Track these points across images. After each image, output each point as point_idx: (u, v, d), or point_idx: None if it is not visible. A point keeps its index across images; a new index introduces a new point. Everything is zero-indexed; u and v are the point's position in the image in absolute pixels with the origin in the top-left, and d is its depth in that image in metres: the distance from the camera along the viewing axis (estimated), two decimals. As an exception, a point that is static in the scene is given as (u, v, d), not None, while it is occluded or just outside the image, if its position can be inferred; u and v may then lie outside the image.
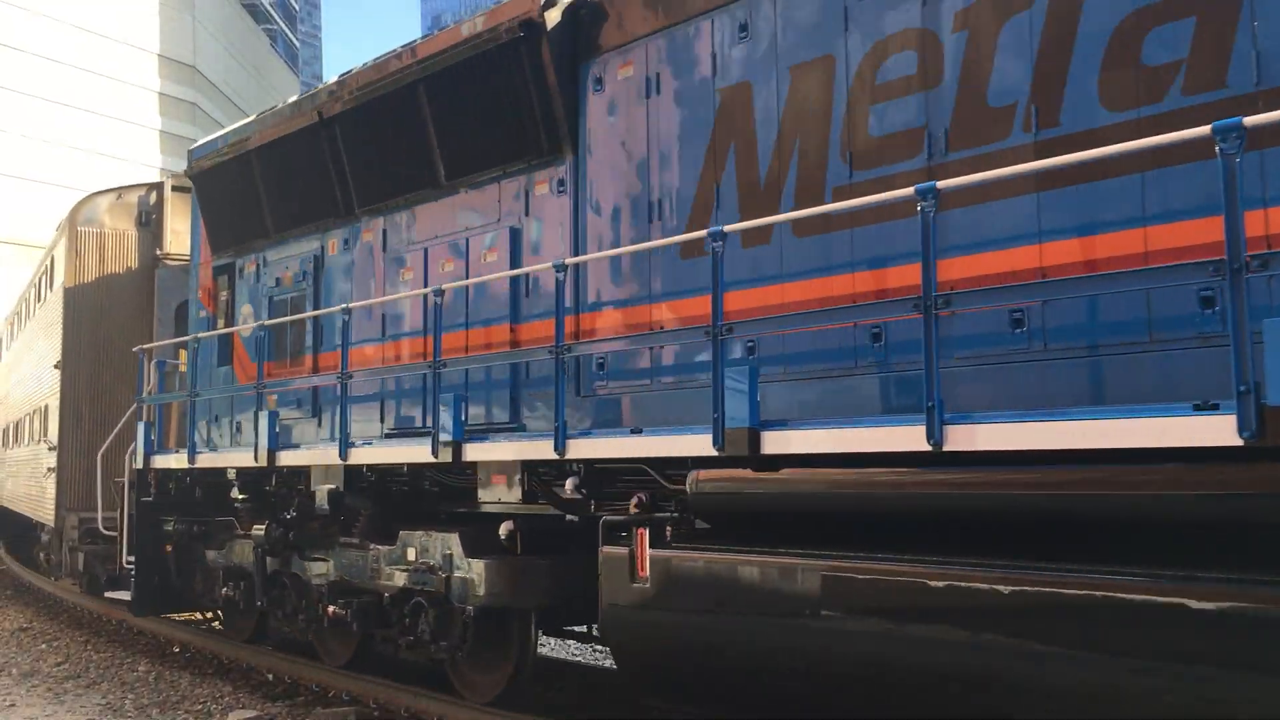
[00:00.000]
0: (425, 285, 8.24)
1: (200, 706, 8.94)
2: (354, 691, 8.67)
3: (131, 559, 11.19)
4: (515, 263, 7.73)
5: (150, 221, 14.28)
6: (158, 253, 14.21)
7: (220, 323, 11.28)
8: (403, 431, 8.49)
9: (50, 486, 14.44)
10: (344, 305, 8.40)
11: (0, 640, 12.84)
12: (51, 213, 40.99)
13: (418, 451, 7.51)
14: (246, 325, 10.57)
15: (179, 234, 13.83)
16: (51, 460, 14.45)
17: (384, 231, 9.11)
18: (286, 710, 8.58)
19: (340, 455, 8.20)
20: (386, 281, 8.99)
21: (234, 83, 53.03)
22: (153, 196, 14.44)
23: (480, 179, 8.15)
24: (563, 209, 7.53)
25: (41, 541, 16.69)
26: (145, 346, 11.43)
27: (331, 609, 8.61)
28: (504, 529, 7.30)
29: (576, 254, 7.31)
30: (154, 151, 47.12)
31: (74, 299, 14.21)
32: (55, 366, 14.26)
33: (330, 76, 10.05)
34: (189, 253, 12.71)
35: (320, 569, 8.93)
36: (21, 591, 17.84)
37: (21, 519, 18.91)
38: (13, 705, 9.23)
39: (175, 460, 10.77)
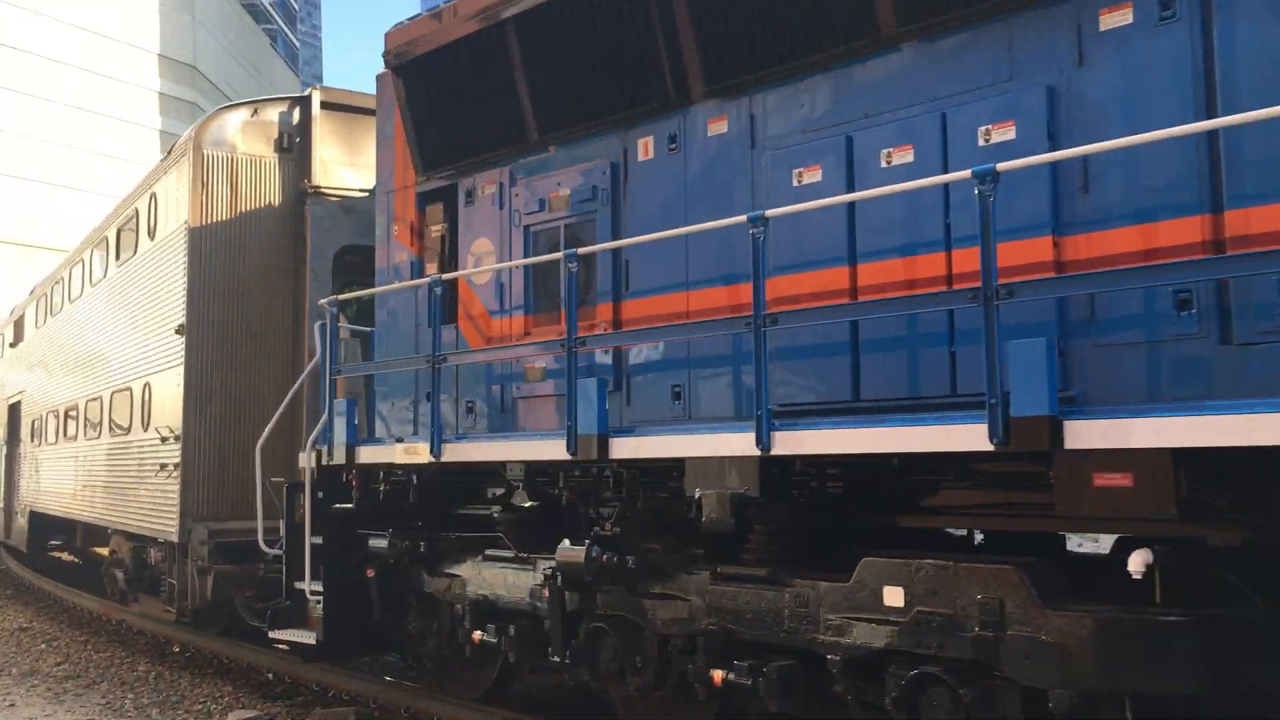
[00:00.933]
0: (851, 186, 5.67)
1: (200, 706, 8.94)
2: (354, 691, 8.67)
3: (313, 587, 8.19)
4: (1054, 141, 4.99)
5: (292, 146, 11.25)
6: (305, 185, 11.12)
7: (430, 268, 8.45)
8: (877, 407, 5.45)
9: (171, 488, 10.83)
10: (753, 214, 5.44)
11: (0, 640, 12.84)
12: (51, 213, 41.04)
13: (968, 436, 4.54)
14: (491, 266, 7.70)
15: (329, 165, 11.21)
16: (168, 454, 10.98)
17: (751, 119, 6.36)
18: (286, 710, 8.58)
19: (760, 442, 5.26)
20: (766, 189, 6.18)
21: (234, 83, 53.04)
22: (295, 114, 11.33)
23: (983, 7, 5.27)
24: (1171, 47, 4.71)
25: (118, 561, 13.41)
26: (339, 298, 8.69)
27: (721, 674, 5.64)
28: (1138, 561, 4.34)
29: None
30: (154, 151, 47.10)
31: (201, 243, 10.81)
32: (177, 331, 10.82)
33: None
34: (342, 186, 10.90)
35: (673, 611, 6.03)
36: (21, 591, 17.83)
37: (48, 529, 17.49)
38: (13, 705, 9.23)
39: (401, 453, 7.58)
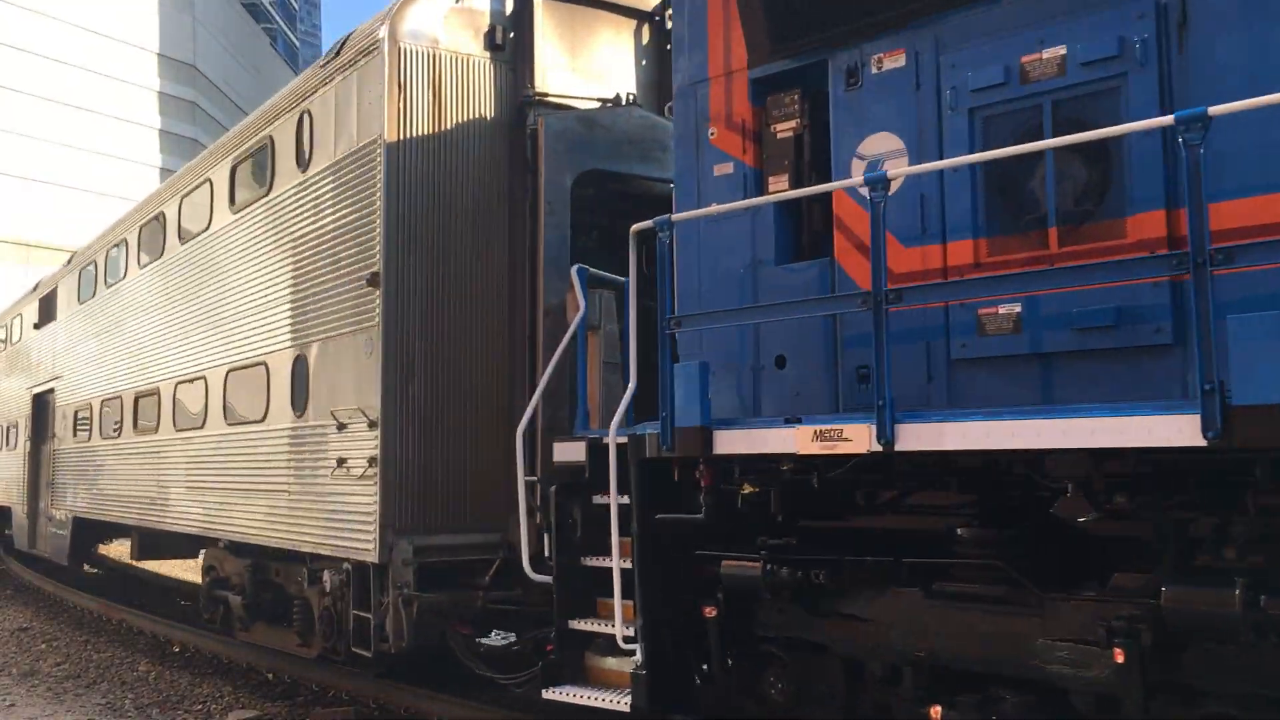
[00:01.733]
0: None
1: (200, 706, 8.95)
2: (353, 691, 8.67)
3: (613, 629, 5.80)
4: None
5: (506, 42, 8.64)
6: (527, 91, 8.53)
7: (777, 182, 5.96)
8: None
9: (363, 492, 7.94)
10: None
11: (0, 640, 12.84)
12: (51, 212, 41.01)
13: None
14: (957, 160, 4.95)
15: (552, 68, 8.70)
16: (356, 447, 8.06)
17: None
18: (286, 710, 8.58)
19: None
20: None
21: (234, 82, 53.06)
22: (508, 1, 8.76)
23: None
24: None
25: (224, 581, 10.85)
26: (640, 227, 5.85)
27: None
28: None
29: None
30: (154, 151, 47.18)
31: (400, 165, 8.07)
32: (369, 283, 8.05)
33: None
34: (570, 94, 8.59)
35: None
36: (21, 591, 17.83)
37: (95, 538, 16.08)
38: (13, 705, 9.23)
39: (806, 439, 4.95)
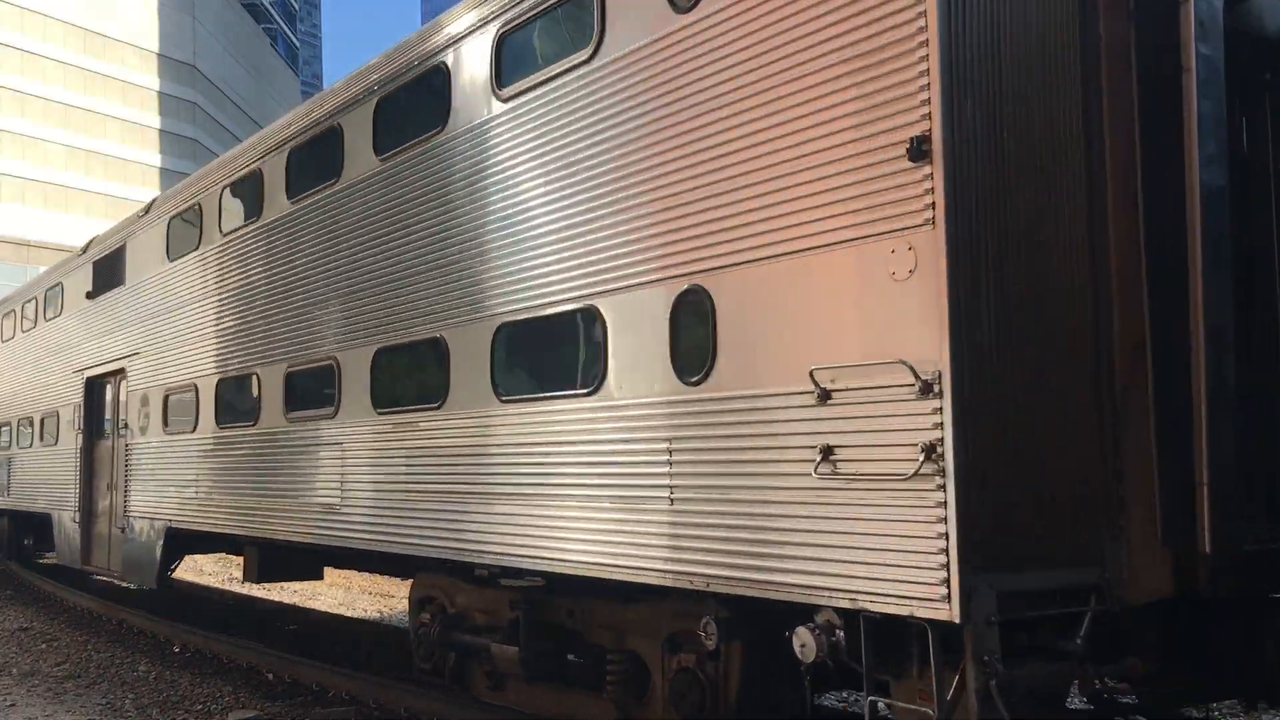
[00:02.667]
0: None
1: (200, 706, 8.94)
2: (354, 691, 8.67)
3: None
4: None
5: None
6: None
7: None
8: None
9: (917, 504, 4.65)
10: None
11: (0, 640, 12.84)
12: (51, 213, 41.04)
13: None
14: None
15: None
16: (889, 426, 4.81)
17: None
18: (286, 710, 8.58)
19: None
20: None
21: (234, 82, 53.05)
22: None
23: None
24: None
25: (457, 620, 8.03)
26: None
27: None
28: None
29: None
30: (154, 151, 47.17)
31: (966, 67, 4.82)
32: (909, 154, 4.74)
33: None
34: None
35: None
36: (21, 591, 17.83)
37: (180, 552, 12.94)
38: (13, 705, 9.23)
39: None
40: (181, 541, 12.23)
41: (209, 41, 50.83)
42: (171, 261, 12.71)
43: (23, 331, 18.25)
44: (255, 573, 11.39)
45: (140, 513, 13.12)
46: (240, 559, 12.20)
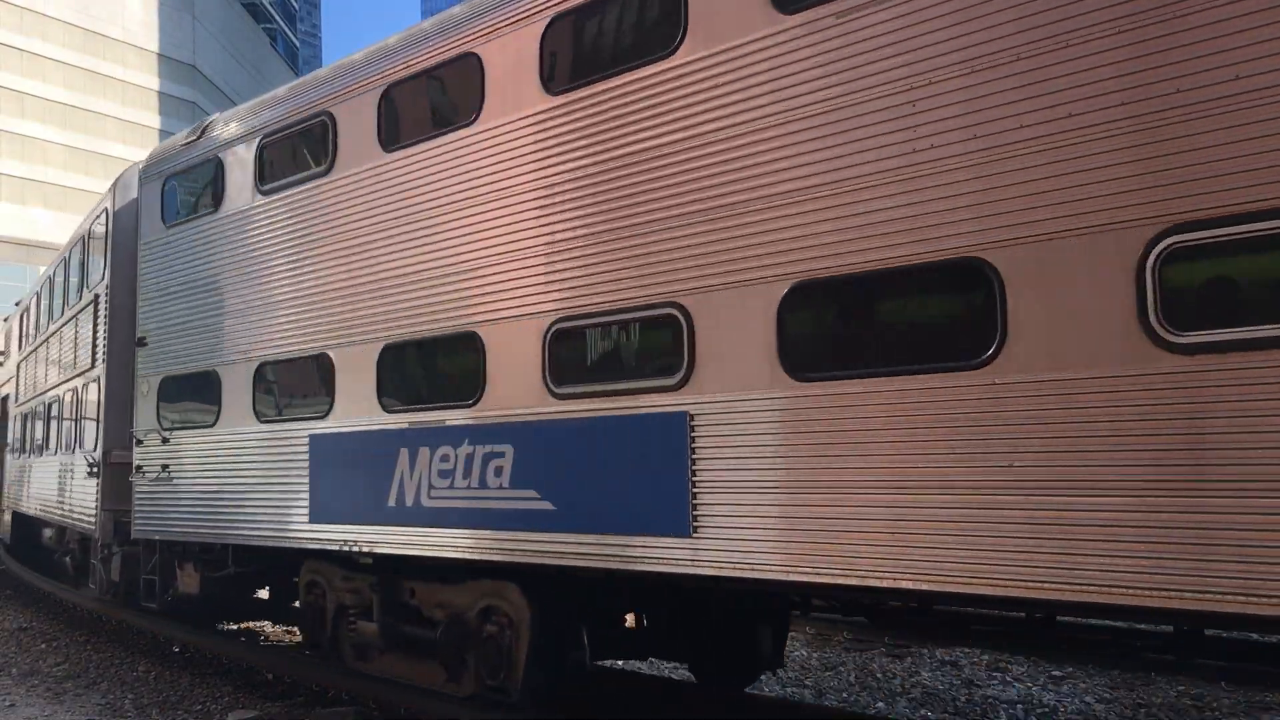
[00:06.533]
0: None
1: (200, 706, 8.94)
2: (354, 691, 8.67)
3: None
4: None
5: None
6: None
7: None
8: None
9: None
10: None
11: (0, 640, 12.83)
12: (51, 213, 41.03)
13: None
14: None
15: None
16: None
17: None
18: (286, 710, 8.57)
19: None
20: None
21: (234, 82, 53.04)
22: None
23: None
24: None
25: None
26: None
27: None
28: None
29: None
30: (154, 151, 47.15)
31: None
32: None
33: None
34: None
35: None
36: (21, 591, 17.83)
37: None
38: (13, 705, 9.23)
39: None
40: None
41: (209, 41, 50.84)
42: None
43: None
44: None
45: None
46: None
